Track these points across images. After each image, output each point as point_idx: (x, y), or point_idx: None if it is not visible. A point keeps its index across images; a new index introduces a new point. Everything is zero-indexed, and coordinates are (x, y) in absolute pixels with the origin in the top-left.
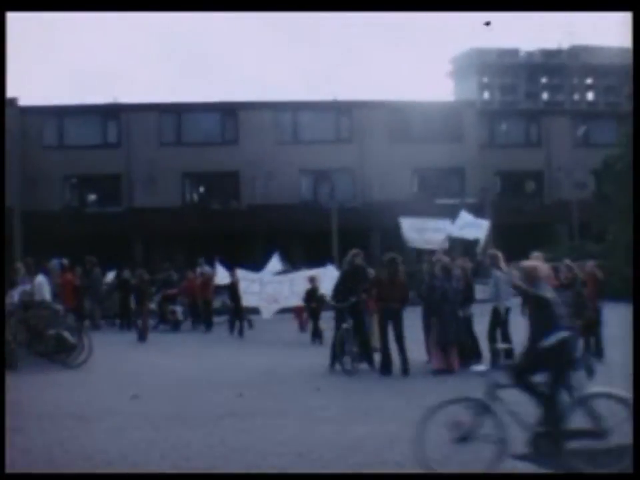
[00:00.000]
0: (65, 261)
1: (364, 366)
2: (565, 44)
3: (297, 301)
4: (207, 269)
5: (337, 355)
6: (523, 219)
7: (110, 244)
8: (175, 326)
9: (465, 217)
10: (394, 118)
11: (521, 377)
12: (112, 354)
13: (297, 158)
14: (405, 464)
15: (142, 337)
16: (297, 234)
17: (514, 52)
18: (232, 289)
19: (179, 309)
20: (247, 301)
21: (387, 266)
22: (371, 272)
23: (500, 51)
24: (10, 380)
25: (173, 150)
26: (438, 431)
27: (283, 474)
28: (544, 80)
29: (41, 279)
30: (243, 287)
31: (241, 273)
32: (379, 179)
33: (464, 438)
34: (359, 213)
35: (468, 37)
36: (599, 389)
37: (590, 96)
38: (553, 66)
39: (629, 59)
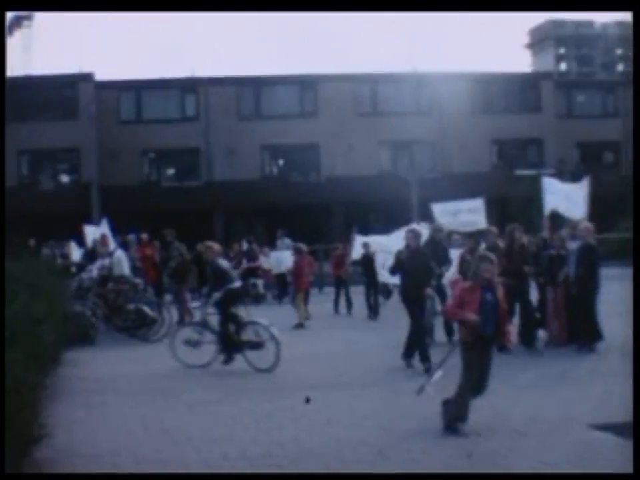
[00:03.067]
0: (144, 235)
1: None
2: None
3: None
4: (287, 241)
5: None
6: (602, 189)
7: (189, 218)
8: (257, 300)
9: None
10: (473, 89)
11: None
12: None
13: (377, 130)
14: None
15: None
16: (377, 205)
17: (589, 23)
18: (365, 262)
19: (260, 283)
20: (384, 277)
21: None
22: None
23: (576, 23)
24: (89, 355)
25: (252, 123)
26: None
27: (283, 474)
28: (619, 51)
29: (119, 253)
30: (380, 260)
31: (376, 242)
32: (458, 150)
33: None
34: (438, 184)
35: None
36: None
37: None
38: (629, 37)
39: None
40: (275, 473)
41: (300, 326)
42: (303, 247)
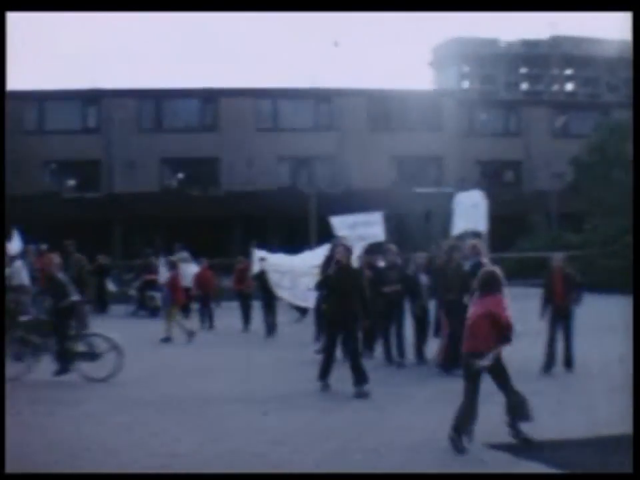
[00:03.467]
0: (43, 246)
1: None
2: (545, 34)
3: None
4: (184, 254)
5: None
6: (501, 208)
7: (89, 229)
8: (153, 312)
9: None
10: (374, 106)
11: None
12: None
13: (276, 145)
14: None
15: None
16: (275, 220)
17: (494, 42)
18: (261, 278)
19: (158, 295)
20: (280, 295)
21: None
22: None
23: (480, 41)
24: None
25: (153, 136)
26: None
27: (283, 474)
28: (523, 70)
29: (18, 263)
30: (274, 279)
31: (271, 261)
32: (358, 166)
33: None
34: (337, 200)
35: (449, 27)
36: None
37: (569, 87)
38: (533, 56)
39: (608, 51)
40: (274, 473)
41: (167, 340)
42: (180, 260)
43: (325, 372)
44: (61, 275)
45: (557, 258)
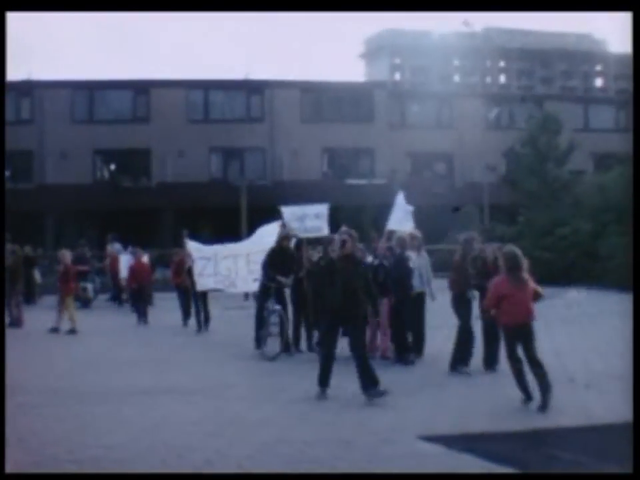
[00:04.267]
0: None
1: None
2: (478, 26)
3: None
4: (116, 246)
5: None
6: (434, 200)
7: (21, 220)
8: (85, 303)
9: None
10: (305, 98)
11: None
12: (18, 332)
13: (208, 136)
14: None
15: (16, 323)
16: (206, 211)
17: (427, 34)
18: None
19: (90, 286)
20: (202, 285)
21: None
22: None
23: (413, 33)
24: None
25: (85, 127)
26: None
27: (283, 474)
28: (457, 62)
29: None
30: (198, 268)
31: (194, 248)
32: (289, 158)
33: None
34: (268, 191)
35: (382, 19)
36: None
37: (502, 79)
38: (466, 48)
39: (542, 43)
40: (274, 472)
41: (72, 332)
42: (113, 250)
43: (326, 376)
44: None
45: (490, 250)
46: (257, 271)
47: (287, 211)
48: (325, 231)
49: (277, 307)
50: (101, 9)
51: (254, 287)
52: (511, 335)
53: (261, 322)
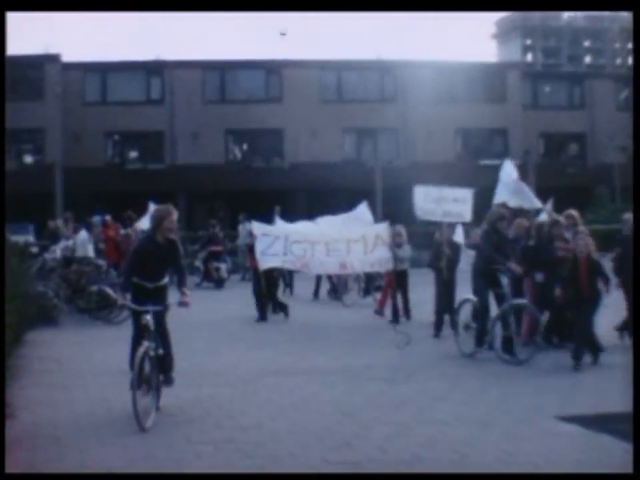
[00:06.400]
0: (108, 217)
1: None
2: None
3: (335, 267)
4: (247, 225)
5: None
6: (566, 181)
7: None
8: (219, 283)
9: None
10: (438, 78)
11: None
12: None
13: (341, 117)
14: None
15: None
16: (340, 192)
17: (556, 15)
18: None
19: (223, 266)
20: (265, 263)
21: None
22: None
23: (543, 14)
24: (51, 336)
25: (217, 107)
26: None
27: (283, 474)
28: (586, 43)
29: (83, 234)
30: (260, 246)
31: (256, 226)
32: (422, 138)
33: None
34: (402, 172)
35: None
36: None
37: (631, 61)
38: (596, 30)
39: None
40: (275, 473)
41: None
42: None
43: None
44: None
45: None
46: (336, 255)
47: (420, 191)
48: (466, 217)
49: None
50: (101, 9)
51: (333, 269)
52: None
53: (484, 315)
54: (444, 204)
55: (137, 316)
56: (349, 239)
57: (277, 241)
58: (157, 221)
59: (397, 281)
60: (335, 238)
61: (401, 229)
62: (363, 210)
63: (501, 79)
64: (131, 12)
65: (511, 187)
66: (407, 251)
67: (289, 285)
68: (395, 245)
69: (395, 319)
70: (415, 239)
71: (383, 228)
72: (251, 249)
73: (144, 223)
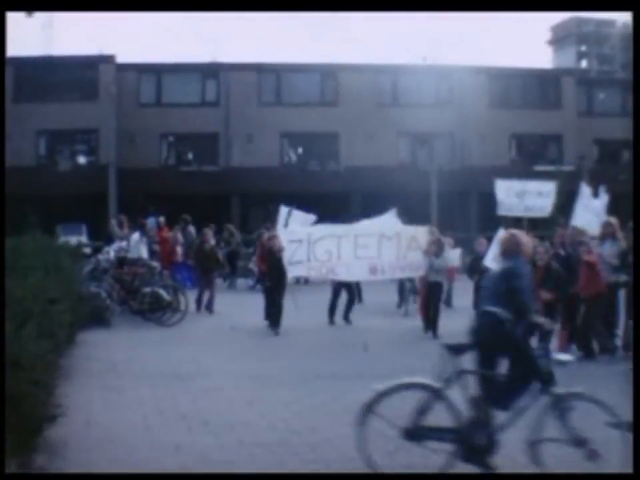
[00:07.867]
0: (161, 219)
1: None
2: None
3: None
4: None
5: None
6: (620, 187)
7: (206, 202)
8: None
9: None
10: (492, 83)
11: None
12: (207, 314)
13: (396, 121)
14: None
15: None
16: (395, 196)
17: (611, 22)
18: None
19: None
20: (293, 271)
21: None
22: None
23: (597, 21)
24: (104, 337)
25: (272, 110)
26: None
27: (283, 474)
28: None
29: (137, 236)
30: (287, 255)
31: (285, 235)
32: (477, 143)
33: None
34: (457, 177)
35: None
36: None
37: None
38: None
39: None
40: (275, 473)
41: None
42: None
43: None
44: None
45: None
46: (365, 256)
47: (502, 186)
48: (548, 210)
49: None
50: (101, 9)
51: (361, 275)
52: None
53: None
54: (527, 198)
55: None
56: (382, 234)
57: (301, 245)
58: None
59: (430, 292)
60: (366, 231)
61: (441, 237)
62: (390, 217)
63: (556, 85)
64: (185, 12)
65: (593, 210)
66: (445, 261)
67: (358, 292)
68: (433, 253)
69: (433, 333)
70: (471, 244)
71: (422, 231)
72: None
73: None
